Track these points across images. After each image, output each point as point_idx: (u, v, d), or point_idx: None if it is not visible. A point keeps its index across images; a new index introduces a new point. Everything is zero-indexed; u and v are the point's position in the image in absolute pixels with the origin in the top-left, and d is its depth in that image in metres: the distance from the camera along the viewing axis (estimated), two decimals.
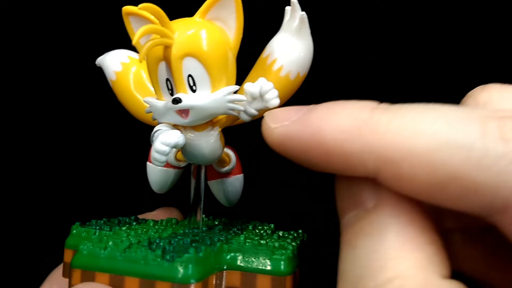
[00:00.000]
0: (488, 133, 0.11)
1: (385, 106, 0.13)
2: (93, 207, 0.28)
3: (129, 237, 0.16)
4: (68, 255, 0.18)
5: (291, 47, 0.18)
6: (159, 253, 0.14)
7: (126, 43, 0.22)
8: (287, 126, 0.14)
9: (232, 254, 0.16)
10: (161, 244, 0.15)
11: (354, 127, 0.12)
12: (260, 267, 0.15)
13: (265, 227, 0.19)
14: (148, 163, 0.22)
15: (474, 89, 0.14)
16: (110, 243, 0.15)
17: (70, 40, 0.29)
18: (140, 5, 0.15)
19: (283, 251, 0.16)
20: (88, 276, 0.15)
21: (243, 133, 0.21)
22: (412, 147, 0.12)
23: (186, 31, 0.17)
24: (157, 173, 0.22)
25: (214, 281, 0.15)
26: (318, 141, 0.13)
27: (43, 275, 0.22)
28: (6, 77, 0.30)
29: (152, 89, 0.21)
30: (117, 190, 0.29)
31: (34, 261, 0.29)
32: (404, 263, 0.11)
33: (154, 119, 0.18)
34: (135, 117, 0.22)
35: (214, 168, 0.21)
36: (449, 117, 0.12)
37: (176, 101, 0.16)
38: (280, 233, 0.18)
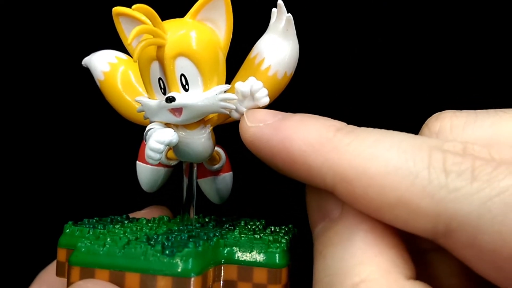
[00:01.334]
0: (433, 164, 0.12)
1: (350, 129, 0.14)
2: (81, 206, 0.28)
3: (126, 234, 0.17)
4: (61, 254, 0.18)
5: (278, 47, 0.19)
6: (158, 248, 0.15)
7: (113, 43, 0.23)
8: (261, 127, 0.16)
9: (229, 248, 0.16)
10: (159, 239, 0.16)
11: (319, 143, 0.14)
12: (256, 260, 0.16)
13: (256, 223, 0.20)
14: (138, 162, 0.22)
15: (429, 118, 0.16)
16: (108, 240, 0.15)
17: (61, 41, 0.29)
18: (134, 6, 0.16)
19: (278, 245, 0.16)
20: (87, 273, 0.15)
21: (226, 132, 0.21)
22: (366, 169, 0.13)
23: (178, 32, 0.17)
24: (147, 172, 0.22)
25: (212, 274, 0.16)
26: (284, 148, 0.14)
27: (32, 275, 0.22)
28: None
29: (140, 89, 0.22)
30: (105, 189, 0.29)
31: (23, 260, 0.28)
32: (368, 268, 0.13)
33: (146, 118, 0.19)
34: (123, 117, 0.22)
35: (204, 166, 0.22)
36: (402, 145, 0.13)
37: (170, 99, 0.17)
38: (272, 228, 0.19)
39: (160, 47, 0.17)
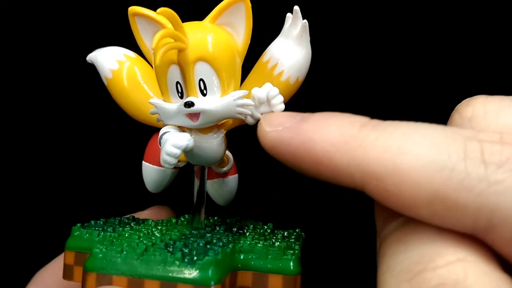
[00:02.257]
0: (470, 156, 0.12)
1: (374, 123, 0.13)
2: (79, 206, 0.28)
3: (141, 239, 0.16)
4: (69, 257, 0.18)
5: (292, 53, 0.19)
6: (179, 256, 0.15)
7: (115, 38, 0.22)
8: (280, 131, 0.15)
9: (244, 255, 0.16)
10: (177, 246, 0.15)
11: (343, 141, 0.13)
12: (272, 267, 0.16)
13: (264, 227, 0.20)
14: (144, 162, 0.22)
15: (460, 103, 0.15)
16: (125, 246, 0.15)
17: (63, 38, 0.28)
18: (158, 10, 0.15)
19: (292, 252, 0.17)
20: (104, 280, 0.15)
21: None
22: (396, 165, 0.12)
23: (199, 36, 0.17)
24: (153, 173, 0.22)
25: (228, 281, 0.16)
26: (308, 150, 0.14)
27: (29, 275, 0.22)
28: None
29: (147, 88, 0.21)
30: (104, 188, 0.28)
31: (19, 260, 0.28)
32: (463, 252, 0.12)
33: (159, 121, 0.18)
34: (131, 116, 0.22)
35: (211, 168, 0.22)
36: (434, 137, 0.12)
37: (189, 104, 0.17)
38: (283, 233, 0.19)
39: (180, 51, 0.16)
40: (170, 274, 0.14)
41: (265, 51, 0.20)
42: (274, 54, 0.19)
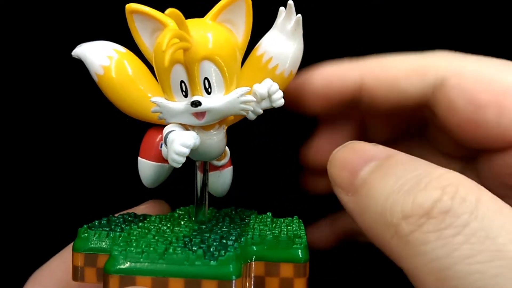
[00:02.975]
0: None
1: None
2: (73, 204, 0.27)
3: (156, 237, 0.17)
4: (78, 259, 0.18)
5: (286, 47, 0.19)
6: (200, 253, 0.15)
7: (100, 32, 0.22)
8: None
9: (257, 246, 0.17)
10: (195, 243, 0.16)
11: None
12: (283, 256, 0.17)
13: (264, 216, 0.21)
14: (140, 158, 0.22)
15: None
16: (144, 246, 0.16)
17: (51, 35, 0.27)
18: (167, 11, 0.15)
19: (300, 240, 0.17)
20: (127, 281, 0.15)
21: None
22: None
23: (203, 35, 0.17)
24: (150, 168, 0.22)
25: (244, 272, 0.16)
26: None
27: (25, 275, 0.21)
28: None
29: (139, 84, 0.21)
30: (96, 184, 0.28)
31: (16, 260, 0.27)
32: (450, 174, 0.13)
33: (161, 119, 0.18)
34: (123, 112, 0.21)
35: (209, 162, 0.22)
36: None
37: (196, 104, 0.17)
38: (283, 220, 0.20)
39: (185, 50, 0.16)
40: (194, 272, 0.15)
41: (257, 45, 0.20)
42: (268, 49, 0.19)
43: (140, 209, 0.23)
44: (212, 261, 0.15)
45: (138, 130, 0.23)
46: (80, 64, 0.21)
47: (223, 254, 0.15)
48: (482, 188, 0.13)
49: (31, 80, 0.28)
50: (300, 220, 0.21)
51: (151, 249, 0.15)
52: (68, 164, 0.28)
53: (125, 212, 0.22)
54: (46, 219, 0.27)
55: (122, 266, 0.15)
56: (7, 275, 0.26)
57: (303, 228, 0.20)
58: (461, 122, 0.18)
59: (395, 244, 0.13)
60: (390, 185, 0.14)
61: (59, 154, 0.28)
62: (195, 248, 0.15)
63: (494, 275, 0.11)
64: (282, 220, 0.20)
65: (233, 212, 0.22)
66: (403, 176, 0.14)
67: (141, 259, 0.15)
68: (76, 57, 0.21)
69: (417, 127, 0.22)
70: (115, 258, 0.15)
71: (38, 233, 0.27)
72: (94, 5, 0.26)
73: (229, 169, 0.23)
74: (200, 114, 0.17)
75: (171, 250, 0.15)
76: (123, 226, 0.19)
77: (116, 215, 0.21)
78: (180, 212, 0.22)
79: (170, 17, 0.15)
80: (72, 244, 0.23)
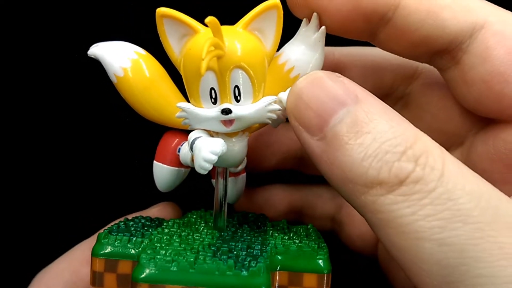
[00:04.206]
0: None
1: None
2: (82, 206, 0.27)
3: (182, 245, 0.17)
4: (98, 264, 0.17)
5: (308, 57, 0.19)
6: (231, 264, 0.15)
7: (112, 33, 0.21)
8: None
9: (281, 256, 0.17)
10: (224, 252, 0.16)
11: None
12: (306, 267, 0.17)
13: (280, 224, 0.21)
14: (155, 162, 0.21)
15: None
16: (173, 254, 0.15)
17: (67, 36, 0.26)
18: (207, 20, 0.15)
19: (323, 251, 0.18)
20: None
21: None
22: None
23: (236, 44, 0.17)
24: (166, 173, 0.21)
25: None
26: None
27: (29, 276, 0.21)
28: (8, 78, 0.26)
29: (159, 87, 0.21)
30: (105, 186, 0.27)
31: (20, 261, 0.26)
32: (421, 143, 0.14)
33: (186, 124, 0.18)
34: (142, 115, 0.21)
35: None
36: None
37: (226, 112, 0.17)
38: (300, 230, 0.20)
39: (218, 58, 0.16)
40: (225, 282, 0.15)
41: (279, 53, 0.20)
42: (290, 58, 0.19)
43: (152, 212, 0.23)
44: (243, 272, 0.15)
45: (152, 133, 0.23)
46: (99, 66, 0.21)
47: (253, 265, 0.15)
48: (445, 151, 0.15)
49: (49, 84, 0.27)
50: (315, 228, 0.21)
51: (181, 258, 0.15)
52: (76, 165, 0.27)
53: (138, 214, 0.22)
54: (53, 221, 0.27)
55: (151, 275, 0.15)
56: (12, 275, 0.26)
57: (321, 237, 0.20)
58: (492, 75, 0.17)
59: (364, 200, 0.15)
60: (365, 146, 0.15)
61: (69, 155, 0.27)
62: (225, 257, 0.15)
63: (452, 228, 0.13)
64: (299, 228, 0.21)
65: (246, 218, 0.22)
66: (379, 139, 0.14)
67: (172, 268, 0.15)
68: (93, 56, 0.21)
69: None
70: (144, 266, 0.15)
71: (45, 234, 0.27)
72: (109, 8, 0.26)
73: (243, 176, 0.23)
74: (229, 122, 0.17)
75: (201, 259, 0.15)
76: (143, 231, 0.18)
77: (129, 217, 0.21)
78: (194, 217, 0.22)
79: (209, 25, 0.15)
80: (80, 245, 0.22)
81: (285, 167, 0.24)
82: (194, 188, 0.23)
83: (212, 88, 0.17)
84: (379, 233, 0.15)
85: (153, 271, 0.15)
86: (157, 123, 0.21)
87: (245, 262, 0.15)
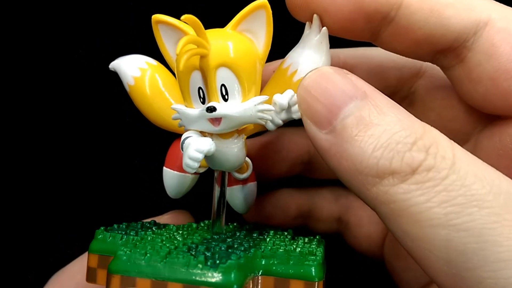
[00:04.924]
0: None
1: None
2: (101, 211, 0.28)
3: (164, 242, 0.17)
4: (92, 260, 0.18)
5: (311, 60, 0.19)
6: (201, 259, 0.15)
7: (138, 47, 0.23)
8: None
9: (266, 260, 0.16)
10: (200, 250, 0.16)
11: None
12: (293, 273, 0.16)
13: (284, 233, 0.20)
14: (165, 168, 0.22)
15: None
16: (149, 248, 0.15)
17: (67, 36, 0.29)
18: (183, 17, 0.16)
19: (314, 257, 0.16)
20: (128, 282, 0.15)
21: None
22: None
23: (220, 42, 0.17)
24: (174, 179, 0.22)
25: (250, 286, 0.16)
26: None
27: (45, 278, 0.22)
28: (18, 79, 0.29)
29: (167, 95, 0.22)
30: (125, 193, 0.29)
31: (36, 263, 0.28)
32: (430, 133, 0.14)
33: (181, 126, 0.19)
34: (153, 122, 0.22)
35: (230, 175, 0.22)
36: None
37: (211, 109, 0.17)
38: (304, 239, 0.19)
39: (202, 57, 0.17)
40: (193, 277, 0.14)
41: (284, 58, 0.20)
42: (294, 61, 0.19)
43: (163, 219, 0.24)
44: (212, 268, 0.14)
45: (170, 140, 0.23)
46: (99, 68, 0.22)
47: (224, 262, 0.15)
48: (454, 142, 0.15)
49: (62, 90, 0.29)
50: (322, 240, 0.20)
51: (155, 253, 0.15)
52: (98, 172, 0.29)
53: (148, 220, 0.22)
54: (71, 225, 0.28)
55: (123, 267, 0.15)
56: (28, 277, 0.27)
57: (322, 247, 0.18)
58: (498, 72, 0.16)
59: (376, 192, 0.14)
60: (376, 137, 0.14)
61: (92, 162, 0.29)
62: (198, 254, 0.15)
63: (468, 213, 0.13)
64: (304, 238, 0.20)
65: (254, 227, 0.21)
66: (389, 130, 0.14)
67: (143, 261, 0.15)
68: (112, 69, 0.22)
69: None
70: (119, 258, 0.15)
71: (61, 238, 0.28)
72: (131, 20, 0.28)
73: (252, 185, 0.22)
74: (216, 120, 0.17)
75: (173, 255, 0.15)
76: (139, 231, 0.19)
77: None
78: (201, 224, 0.21)
79: (186, 22, 0.16)
80: None
81: (293, 173, 0.24)
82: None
83: (200, 88, 0.17)
84: (391, 225, 0.14)
85: (125, 263, 0.15)
86: (166, 130, 0.22)
87: (217, 260, 0.15)
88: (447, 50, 0.18)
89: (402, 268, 0.22)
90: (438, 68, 0.19)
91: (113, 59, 0.22)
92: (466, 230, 0.13)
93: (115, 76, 0.22)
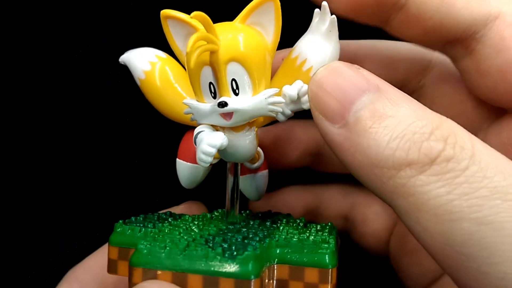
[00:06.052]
0: None
1: None
2: (117, 203, 0.29)
3: (182, 235, 0.17)
4: (113, 252, 0.18)
5: (320, 48, 0.19)
6: (219, 251, 0.15)
7: (147, 40, 0.23)
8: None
9: (280, 249, 0.17)
10: (217, 241, 0.16)
11: None
12: (307, 261, 0.17)
13: (297, 220, 0.21)
14: (178, 159, 0.23)
15: None
16: (168, 241, 0.16)
17: (67, 37, 0.29)
18: (192, 14, 0.16)
19: (327, 245, 0.17)
20: (149, 274, 0.15)
21: None
22: None
23: (230, 37, 0.17)
24: (187, 170, 0.22)
25: (266, 274, 0.16)
26: None
27: (60, 272, 0.23)
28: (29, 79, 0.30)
29: (179, 88, 0.22)
30: (140, 185, 0.29)
31: (52, 257, 0.29)
32: (447, 124, 0.14)
33: (193, 120, 0.19)
34: (164, 115, 0.22)
35: (243, 165, 0.22)
36: None
37: (222, 104, 0.17)
38: (316, 226, 0.20)
39: (212, 53, 0.17)
40: (212, 269, 0.15)
41: (293, 47, 0.20)
42: (302, 50, 0.19)
43: (179, 209, 0.24)
44: (230, 259, 0.15)
45: (182, 133, 0.24)
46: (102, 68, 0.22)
47: (241, 253, 0.15)
48: (472, 135, 0.14)
49: (70, 86, 0.29)
50: (335, 227, 0.20)
51: (174, 245, 0.16)
52: (114, 165, 0.29)
53: (163, 211, 0.23)
54: (88, 219, 0.29)
55: (145, 260, 0.15)
56: (45, 271, 0.28)
57: (335, 233, 0.19)
58: (508, 65, 0.16)
59: (392, 185, 0.14)
60: (391, 128, 0.14)
61: (104, 156, 0.30)
62: (215, 246, 0.16)
63: (491, 206, 0.13)
64: (316, 225, 0.20)
65: (266, 215, 0.22)
66: (404, 121, 0.14)
67: (163, 254, 0.15)
68: (122, 63, 0.23)
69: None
70: (140, 252, 0.16)
71: (77, 233, 0.29)
72: (140, 14, 0.28)
73: (264, 173, 0.23)
74: (227, 115, 0.18)
75: (192, 247, 0.16)
76: (156, 223, 0.19)
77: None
78: (215, 214, 0.22)
79: (196, 19, 0.16)
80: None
81: (302, 165, 0.24)
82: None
83: (210, 83, 0.18)
84: (408, 220, 0.14)
85: (146, 256, 0.16)
86: (178, 122, 0.22)
87: (234, 251, 0.15)
88: (456, 41, 0.18)
89: (408, 264, 0.21)
90: (447, 63, 0.19)
91: (115, 57, 0.22)
92: (489, 224, 0.13)
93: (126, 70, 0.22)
